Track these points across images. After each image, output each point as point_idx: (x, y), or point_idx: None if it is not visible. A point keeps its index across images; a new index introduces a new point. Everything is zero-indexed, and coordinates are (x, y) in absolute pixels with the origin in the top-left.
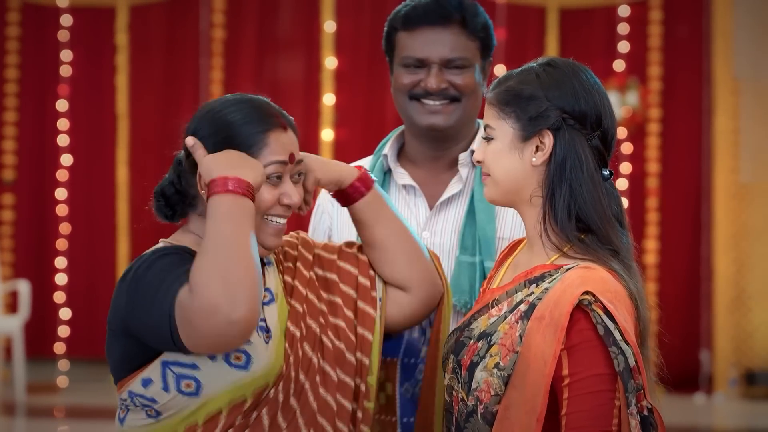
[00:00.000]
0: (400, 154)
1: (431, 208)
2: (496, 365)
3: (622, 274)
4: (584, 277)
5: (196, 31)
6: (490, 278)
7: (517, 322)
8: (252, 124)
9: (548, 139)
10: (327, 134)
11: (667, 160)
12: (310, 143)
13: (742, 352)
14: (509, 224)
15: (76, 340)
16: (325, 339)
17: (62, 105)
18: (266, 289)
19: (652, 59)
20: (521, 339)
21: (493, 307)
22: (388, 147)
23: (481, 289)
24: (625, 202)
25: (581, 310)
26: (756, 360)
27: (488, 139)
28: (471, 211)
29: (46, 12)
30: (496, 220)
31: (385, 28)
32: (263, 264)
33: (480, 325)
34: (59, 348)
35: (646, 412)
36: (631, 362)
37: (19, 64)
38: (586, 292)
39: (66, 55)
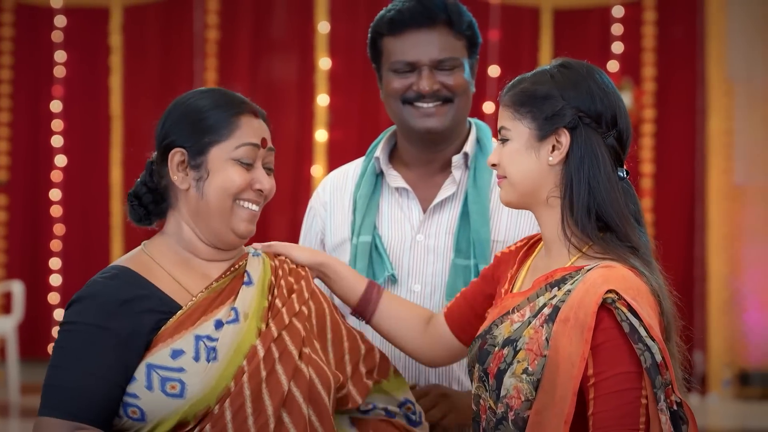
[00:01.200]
0: (392, 155)
1: (425, 210)
2: (525, 370)
3: (643, 270)
4: (606, 276)
5: (190, 33)
6: (512, 279)
7: (542, 326)
8: (222, 108)
9: (565, 138)
10: (321, 135)
11: (661, 160)
12: (305, 145)
13: (736, 352)
14: (503, 227)
15: None
16: (303, 367)
17: (56, 106)
18: (233, 308)
19: (646, 60)
20: (548, 343)
21: (514, 312)
22: (379, 149)
23: (501, 290)
24: None
25: (605, 308)
26: (750, 360)
27: (504, 140)
28: (465, 214)
29: (40, 13)
30: (490, 222)
31: (369, 35)
32: (243, 284)
33: (503, 331)
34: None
35: (675, 407)
36: (658, 358)
37: (12, 65)
38: (610, 291)
39: (60, 55)
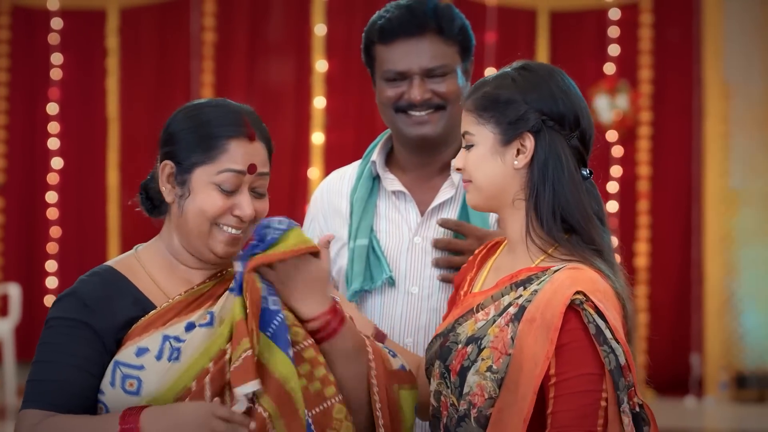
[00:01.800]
0: (389, 159)
1: (422, 213)
2: (489, 368)
3: (607, 273)
4: (574, 277)
5: (186, 35)
6: (471, 281)
7: (508, 325)
8: (215, 128)
9: (529, 142)
10: (317, 138)
11: (657, 163)
12: (301, 147)
13: (733, 355)
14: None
15: None
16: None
17: (53, 108)
18: (209, 312)
19: (642, 62)
20: (513, 342)
21: (478, 311)
22: (376, 153)
23: (461, 293)
24: (615, 206)
25: (572, 309)
26: (746, 363)
27: (468, 146)
28: (464, 217)
29: (37, 15)
30: (489, 224)
31: (363, 41)
32: (229, 290)
33: (466, 329)
34: None
35: (637, 409)
36: (622, 360)
37: (9, 67)
38: (578, 292)
39: (56, 58)
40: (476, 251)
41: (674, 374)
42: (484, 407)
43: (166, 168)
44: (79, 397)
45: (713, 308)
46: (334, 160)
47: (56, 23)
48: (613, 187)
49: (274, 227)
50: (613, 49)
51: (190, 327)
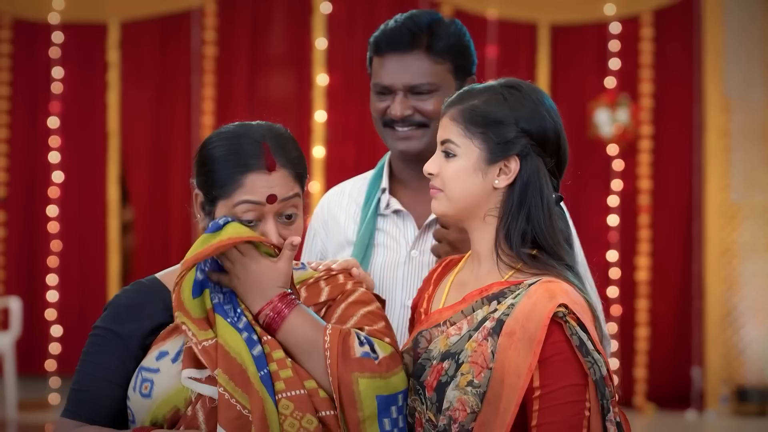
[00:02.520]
0: (391, 174)
1: (419, 227)
2: (470, 383)
3: (579, 286)
4: (552, 290)
5: (187, 48)
6: (430, 298)
7: (486, 339)
8: (231, 162)
9: (514, 165)
10: (318, 151)
11: (658, 177)
12: None
13: (734, 369)
14: None
15: (67, 357)
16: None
17: (53, 122)
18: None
19: (643, 76)
20: (493, 356)
21: (448, 326)
22: (384, 178)
23: (421, 310)
24: (616, 219)
25: (555, 322)
26: (747, 377)
27: (448, 154)
28: None
29: (38, 29)
30: None
31: (368, 53)
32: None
33: (438, 345)
34: (50, 365)
35: (618, 419)
36: (603, 371)
37: (10, 81)
38: (561, 305)
39: (57, 72)
40: (431, 270)
41: (675, 388)
42: (466, 422)
43: (198, 197)
44: (106, 407)
45: (714, 322)
46: (334, 174)
47: (57, 37)
48: (613, 200)
49: (213, 223)
50: (614, 63)
51: None
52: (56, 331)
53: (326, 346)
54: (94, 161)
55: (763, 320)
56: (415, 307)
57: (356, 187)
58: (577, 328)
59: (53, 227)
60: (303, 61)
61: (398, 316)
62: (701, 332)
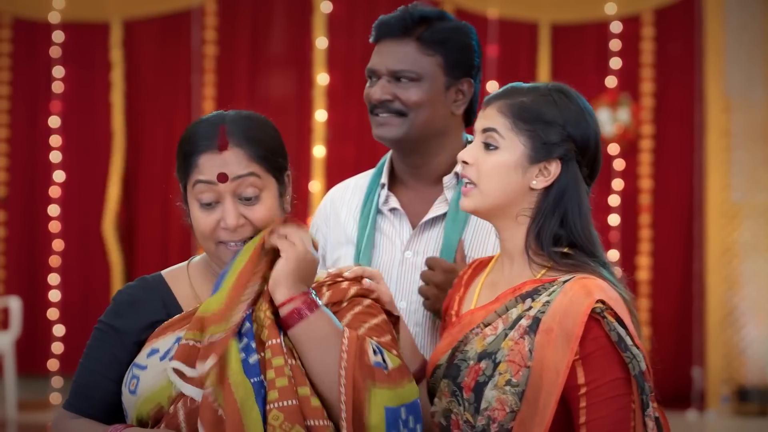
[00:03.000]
0: (392, 173)
1: (414, 227)
2: (508, 382)
3: (613, 281)
4: (588, 287)
5: (188, 48)
6: (461, 300)
7: (523, 338)
8: (188, 146)
9: (555, 168)
10: (319, 151)
11: (659, 176)
12: (302, 160)
13: (734, 368)
14: (490, 247)
15: (69, 356)
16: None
17: (54, 121)
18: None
19: (644, 76)
20: (531, 354)
21: (483, 327)
22: (384, 174)
23: (452, 312)
24: (617, 219)
25: (592, 318)
26: (748, 377)
27: (489, 145)
28: (452, 232)
29: (38, 28)
30: (464, 243)
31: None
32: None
33: (475, 346)
34: (52, 365)
35: (656, 414)
36: (642, 366)
37: (10, 80)
38: (599, 301)
39: (58, 71)
40: (461, 272)
41: (676, 387)
42: (506, 421)
43: (181, 191)
44: (101, 401)
45: (715, 322)
46: (335, 173)
47: (58, 36)
48: (614, 200)
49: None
50: (615, 63)
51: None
52: (59, 330)
53: (344, 348)
54: (95, 161)
55: (764, 320)
56: (445, 310)
57: (359, 184)
58: (615, 324)
59: (54, 227)
60: (303, 60)
61: None
62: (702, 332)
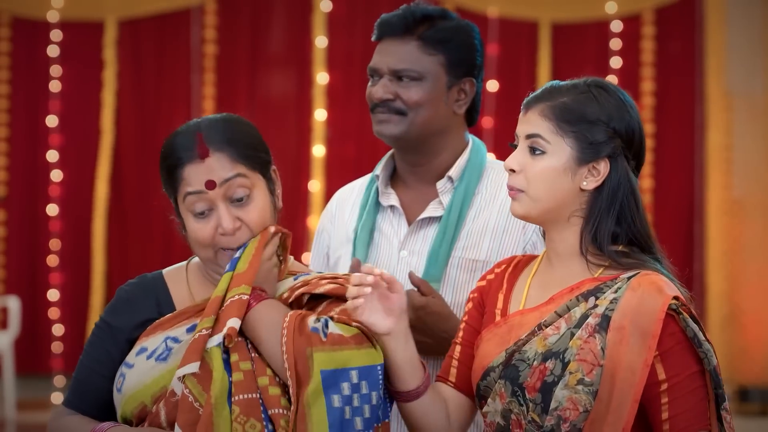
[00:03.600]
0: (394, 173)
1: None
2: (581, 381)
3: (671, 278)
4: (659, 284)
5: (187, 47)
6: (507, 299)
7: (594, 336)
8: (170, 161)
9: (604, 167)
10: (318, 150)
11: (660, 175)
12: (302, 159)
13: (736, 368)
14: (485, 248)
15: (68, 356)
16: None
17: (53, 120)
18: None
19: (644, 74)
20: (603, 352)
21: (543, 328)
22: (381, 167)
23: (496, 310)
24: None
25: (668, 315)
26: (749, 377)
27: (536, 151)
28: (445, 237)
29: (36, 27)
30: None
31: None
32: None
33: (535, 346)
34: (53, 364)
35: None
36: (714, 361)
37: (9, 79)
38: (675, 297)
39: (56, 70)
40: (501, 270)
41: None
42: (578, 420)
43: (174, 205)
44: (95, 398)
45: (716, 321)
46: (335, 173)
47: (56, 35)
48: None
49: (232, 260)
50: (615, 61)
51: (191, 329)
52: (58, 330)
53: (285, 325)
54: (93, 160)
55: (765, 319)
56: (481, 303)
57: (365, 184)
58: (690, 320)
59: (54, 226)
60: (303, 59)
61: None
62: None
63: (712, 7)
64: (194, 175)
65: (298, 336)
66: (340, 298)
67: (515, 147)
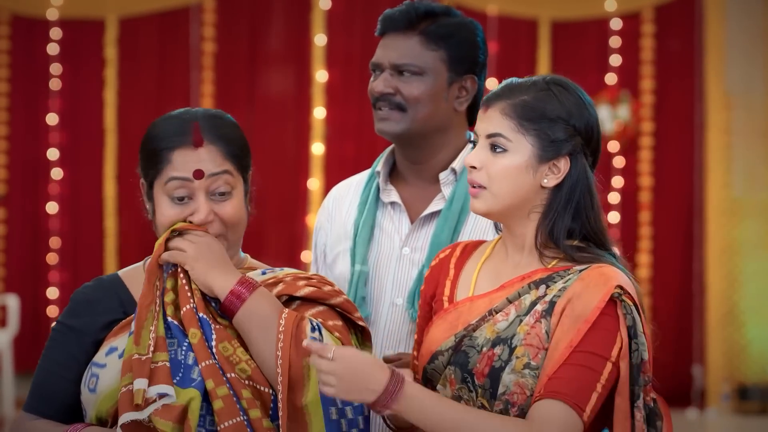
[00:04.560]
0: (394, 170)
1: (413, 222)
2: (527, 365)
3: (626, 273)
4: (607, 274)
5: (186, 45)
6: (453, 285)
7: (540, 321)
8: (161, 141)
9: (564, 164)
10: (317, 148)
11: (659, 174)
12: (301, 158)
13: (735, 366)
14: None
15: None
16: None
17: (52, 119)
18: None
19: (644, 73)
20: (548, 336)
21: (496, 313)
22: (381, 164)
23: (444, 298)
24: (617, 216)
25: (611, 300)
26: (749, 375)
27: (497, 147)
28: (446, 229)
29: (36, 25)
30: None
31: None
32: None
33: (484, 332)
34: None
35: (651, 404)
36: (645, 356)
37: (8, 77)
38: (617, 286)
39: (56, 68)
40: (444, 257)
41: (676, 386)
42: (526, 405)
43: (143, 187)
44: (58, 402)
45: (715, 319)
46: (334, 171)
47: (55, 33)
48: (614, 197)
49: None
50: (615, 59)
51: None
52: None
53: (280, 329)
54: (93, 158)
55: (764, 318)
56: (432, 296)
57: (361, 181)
58: (633, 308)
59: (53, 224)
60: (302, 57)
61: (386, 313)
62: (702, 330)
63: (712, 5)
64: (183, 162)
65: (295, 344)
66: (315, 301)
67: (475, 143)
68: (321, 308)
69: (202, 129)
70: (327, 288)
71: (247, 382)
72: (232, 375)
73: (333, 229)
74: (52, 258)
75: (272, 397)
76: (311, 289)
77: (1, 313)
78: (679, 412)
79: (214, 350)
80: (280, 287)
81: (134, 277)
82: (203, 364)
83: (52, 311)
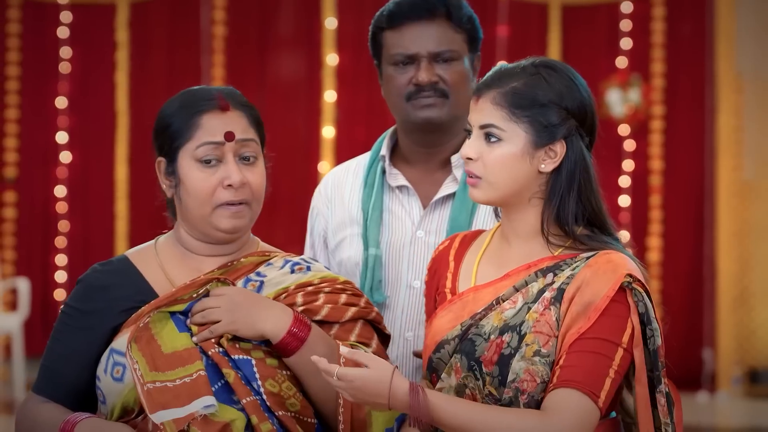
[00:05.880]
0: (394, 152)
1: (425, 207)
2: (537, 352)
3: (634, 259)
4: (615, 261)
5: (197, 28)
6: (455, 277)
7: (549, 309)
8: (185, 109)
9: (560, 148)
10: (328, 131)
11: (670, 157)
12: (312, 141)
13: (746, 350)
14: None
15: None
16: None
17: (62, 102)
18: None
19: (655, 56)
20: (558, 323)
21: (503, 301)
22: (384, 147)
23: (445, 290)
24: (628, 200)
25: (621, 289)
26: (759, 358)
27: (491, 137)
28: (462, 212)
29: (47, 9)
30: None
31: (370, 31)
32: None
33: (491, 321)
34: None
35: (667, 389)
36: (659, 341)
37: (19, 61)
38: (627, 275)
39: (66, 52)
40: (443, 249)
41: (687, 369)
42: (536, 392)
43: (160, 165)
44: (68, 386)
45: (726, 303)
46: (344, 154)
47: (66, 17)
48: (625, 181)
49: None
50: (626, 43)
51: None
52: None
53: None
54: (102, 141)
55: None
56: (436, 288)
57: (361, 164)
58: (644, 295)
59: (62, 208)
60: (313, 40)
61: (403, 297)
62: (713, 313)
63: None
64: (214, 124)
65: None
66: (334, 322)
67: (469, 133)
68: (360, 325)
69: (226, 97)
70: (363, 301)
71: (293, 415)
72: (281, 413)
73: (335, 215)
74: (61, 241)
75: (316, 427)
76: (354, 309)
77: (12, 296)
78: (689, 396)
79: (261, 389)
80: (326, 311)
81: (146, 260)
82: (244, 401)
83: (60, 294)
